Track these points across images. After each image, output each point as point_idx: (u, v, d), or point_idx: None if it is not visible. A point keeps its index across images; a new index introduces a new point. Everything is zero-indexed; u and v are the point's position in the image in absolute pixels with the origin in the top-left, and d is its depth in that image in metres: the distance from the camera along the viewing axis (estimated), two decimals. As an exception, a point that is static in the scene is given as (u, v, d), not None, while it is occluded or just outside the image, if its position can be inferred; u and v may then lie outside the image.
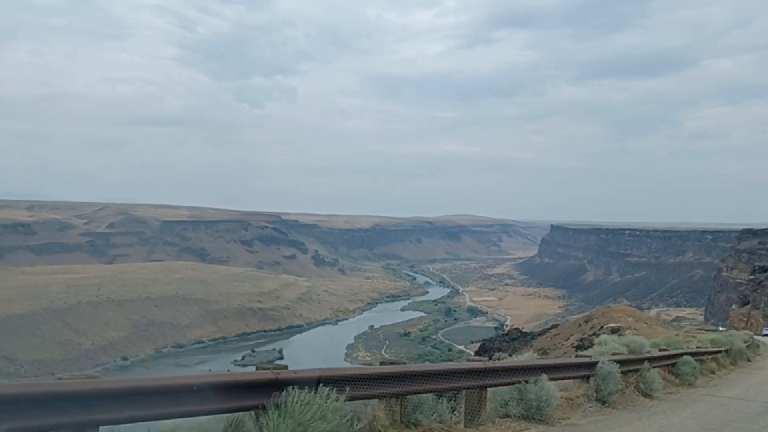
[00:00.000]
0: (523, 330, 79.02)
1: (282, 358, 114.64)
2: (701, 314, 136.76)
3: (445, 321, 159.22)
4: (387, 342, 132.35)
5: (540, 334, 65.83)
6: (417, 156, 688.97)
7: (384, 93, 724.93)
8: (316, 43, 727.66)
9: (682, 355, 15.85)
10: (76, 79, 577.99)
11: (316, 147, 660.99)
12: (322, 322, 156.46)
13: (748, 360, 22.31)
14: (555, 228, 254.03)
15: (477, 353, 48.32)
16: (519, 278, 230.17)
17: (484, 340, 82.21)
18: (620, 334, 24.95)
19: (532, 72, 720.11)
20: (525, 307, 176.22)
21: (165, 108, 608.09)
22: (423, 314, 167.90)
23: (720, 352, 19.87)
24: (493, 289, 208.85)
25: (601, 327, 51.40)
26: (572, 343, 45.94)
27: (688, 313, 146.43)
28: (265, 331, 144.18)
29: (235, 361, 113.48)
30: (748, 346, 23.18)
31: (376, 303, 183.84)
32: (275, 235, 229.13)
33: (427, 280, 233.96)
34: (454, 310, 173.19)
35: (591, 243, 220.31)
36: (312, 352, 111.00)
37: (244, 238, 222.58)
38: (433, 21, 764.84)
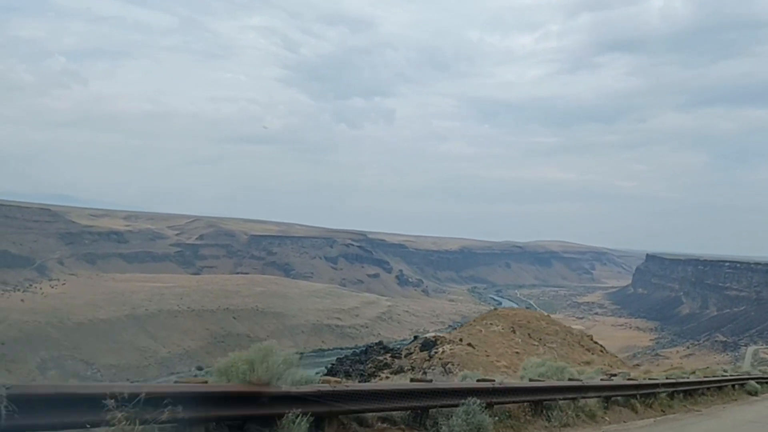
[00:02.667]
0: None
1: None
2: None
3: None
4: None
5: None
6: (511, 181, 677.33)
7: (481, 117, 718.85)
8: (415, 65, 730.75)
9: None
10: (183, 97, 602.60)
11: (409, 169, 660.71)
12: (400, 342, 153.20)
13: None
14: (650, 257, 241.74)
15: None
16: (610, 308, 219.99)
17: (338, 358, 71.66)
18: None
19: (635, 98, 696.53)
20: (614, 338, 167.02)
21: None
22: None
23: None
24: (581, 318, 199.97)
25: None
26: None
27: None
28: (341, 349, 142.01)
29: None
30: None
31: (458, 325, 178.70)
32: (360, 253, 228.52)
33: (513, 305, 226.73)
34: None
35: (688, 274, 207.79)
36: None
37: (329, 255, 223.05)
38: (534, 45, 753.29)
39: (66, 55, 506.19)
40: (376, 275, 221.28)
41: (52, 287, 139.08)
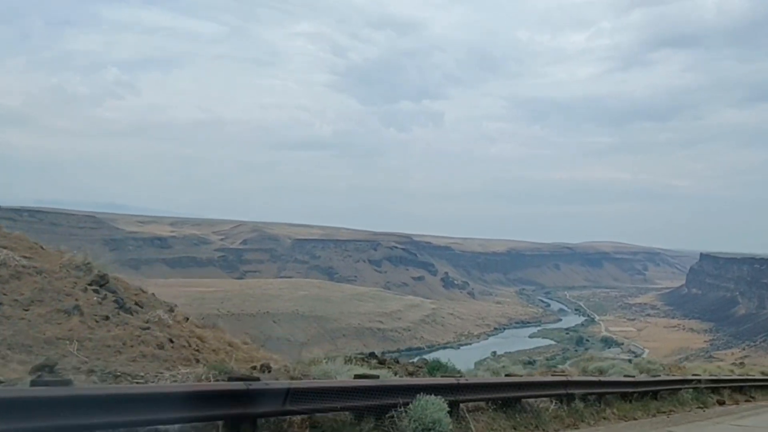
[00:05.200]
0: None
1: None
2: None
3: (575, 351, 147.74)
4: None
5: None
6: (561, 182, 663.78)
7: (531, 117, 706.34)
8: (464, 67, 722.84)
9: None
10: (233, 105, 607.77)
11: (457, 171, 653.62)
12: (444, 346, 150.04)
13: None
14: (705, 257, 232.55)
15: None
16: (662, 309, 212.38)
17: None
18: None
19: (690, 95, 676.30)
20: (666, 340, 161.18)
21: (315, 132, 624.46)
22: (552, 342, 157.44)
23: None
24: (632, 320, 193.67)
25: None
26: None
27: None
28: (383, 352, 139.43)
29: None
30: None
31: (504, 329, 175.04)
32: (405, 256, 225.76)
33: (562, 307, 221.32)
34: (587, 340, 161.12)
35: (744, 273, 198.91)
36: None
37: (372, 258, 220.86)
38: (586, 43, 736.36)
39: (119, 66, 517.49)
40: (420, 278, 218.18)
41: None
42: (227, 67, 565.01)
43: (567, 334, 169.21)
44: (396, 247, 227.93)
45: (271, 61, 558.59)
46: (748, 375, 25.15)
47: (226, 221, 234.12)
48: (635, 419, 13.95)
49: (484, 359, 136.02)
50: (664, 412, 15.39)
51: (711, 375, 21.51)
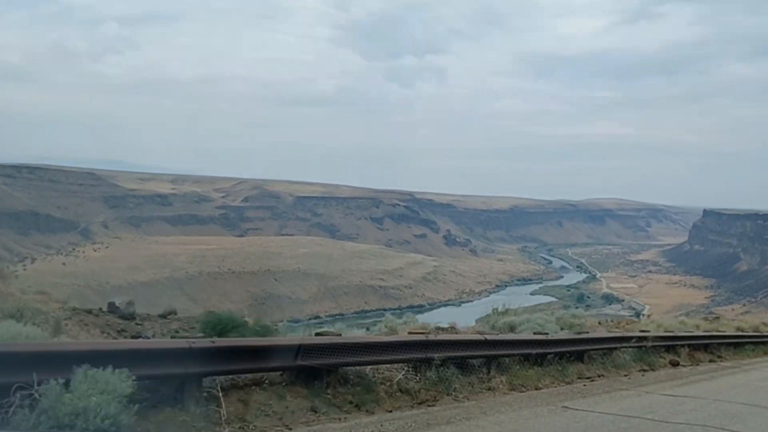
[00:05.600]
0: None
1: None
2: None
3: (576, 307, 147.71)
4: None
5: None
6: (566, 138, 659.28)
7: (537, 72, 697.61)
8: (469, 21, 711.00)
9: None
10: (234, 60, 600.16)
11: (461, 128, 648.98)
12: (445, 303, 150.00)
13: None
14: (708, 213, 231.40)
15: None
16: (664, 265, 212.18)
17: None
18: None
19: (698, 48, 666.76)
20: (667, 296, 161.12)
21: (317, 88, 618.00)
22: (553, 299, 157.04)
23: None
24: (634, 276, 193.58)
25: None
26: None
27: None
28: (384, 310, 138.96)
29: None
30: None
31: (506, 286, 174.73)
32: (407, 214, 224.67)
33: (564, 264, 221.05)
34: (588, 297, 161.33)
35: (747, 229, 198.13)
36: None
37: (374, 216, 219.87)
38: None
39: (118, 21, 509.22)
40: (423, 235, 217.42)
41: (95, 250, 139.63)
42: (228, 22, 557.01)
43: (568, 291, 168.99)
44: (398, 205, 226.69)
45: (273, 15, 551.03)
46: (717, 331, 22.93)
47: (227, 178, 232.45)
48: (537, 389, 11.28)
49: (485, 315, 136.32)
50: (588, 378, 12.93)
51: (666, 331, 19.18)
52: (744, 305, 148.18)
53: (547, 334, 13.48)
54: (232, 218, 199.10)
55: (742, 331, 24.92)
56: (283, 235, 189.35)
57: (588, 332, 15.41)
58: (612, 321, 25.42)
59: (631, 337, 15.88)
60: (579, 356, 13.63)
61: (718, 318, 32.69)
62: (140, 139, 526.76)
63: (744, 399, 11.46)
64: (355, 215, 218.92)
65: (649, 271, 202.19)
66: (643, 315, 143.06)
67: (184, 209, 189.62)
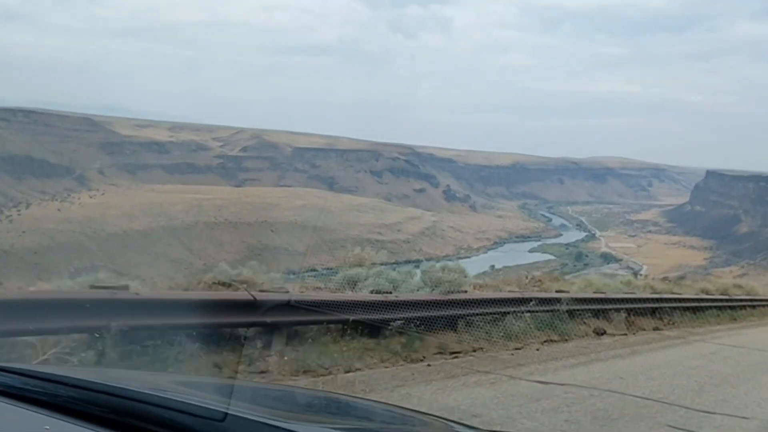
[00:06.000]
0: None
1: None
2: None
3: (574, 266, 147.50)
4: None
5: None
6: (570, 94, 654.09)
7: (543, 26, 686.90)
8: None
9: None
10: (235, 6, 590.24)
11: (465, 82, 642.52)
12: (442, 259, 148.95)
13: None
14: (711, 174, 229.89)
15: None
16: (665, 226, 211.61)
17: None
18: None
19: (708, 5, 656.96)
20: (665, 257, 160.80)
21: (319, 37, 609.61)
22: (551, 257, 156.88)
23: None
24: (633, 236, 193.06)
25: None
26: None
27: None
28: (381, 264, 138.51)
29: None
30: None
31: (504, 242, 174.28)
32: (407, 167, 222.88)
33: (564, 222, 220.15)
34: (586, 255, 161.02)
35: (749, 191, 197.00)
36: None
37: (374, 169, 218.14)
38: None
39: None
40: (422, 190, 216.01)
41: (91, 197, 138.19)
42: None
43: (567, 249, 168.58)
44: (398, 158, 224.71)
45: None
46: (672, 293, 19.72)
47: (226, 127, 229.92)
48: (349, 371, 8.68)
49: (482, 272, 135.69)
50: (455, 353, 10.16)
51: (597, 291, 15.84)
52: (742, 267, 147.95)
53: (390, 292, 10.60)
54: (229, 168, 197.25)
55: (708, 293, 22.44)
56: (281, 186, 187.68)
57: (465, 292, 11.92)
58: (530, 277, 19.85)
59: (529, 299, 12.50)
60: (450, 323, 10.69)
61: (683, 278, 30.82)
62: (138, 85, 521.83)
63: (642, 390, 8.80)
64: (355, 168, 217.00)
65: (649, 231, 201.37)
66: (641, 275, 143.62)
67: (181, 157, 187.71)
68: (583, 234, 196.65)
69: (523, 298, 12.49)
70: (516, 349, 11.03)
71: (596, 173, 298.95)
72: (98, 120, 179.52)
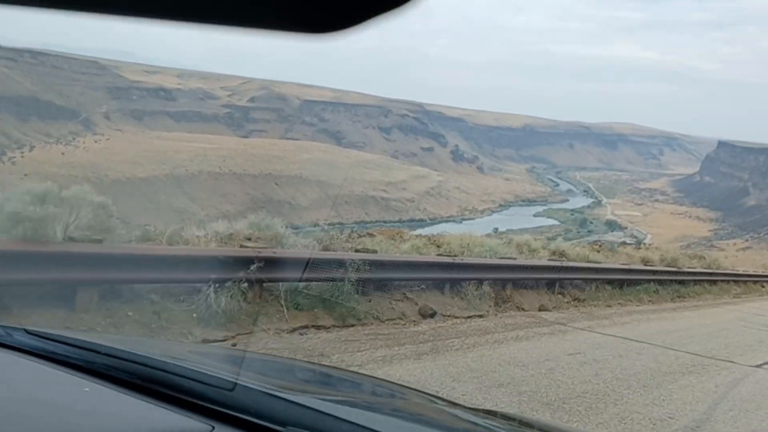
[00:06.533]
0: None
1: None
2: None
3: (578, 232, 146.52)
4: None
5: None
6: (586, 58, 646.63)
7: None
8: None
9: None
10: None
11: (481, 40, 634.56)
12: (446, 219, 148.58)
13: None
14: (722, 144, 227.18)
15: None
16: (672, 195, 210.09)
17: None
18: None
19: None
20: (670, 227, 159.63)
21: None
22: (556, 222, 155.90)
23: None
24: (640, 204, 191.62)
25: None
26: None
27: None
28: (384, 222, 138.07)
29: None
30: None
31: (509, 206, 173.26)
32: (415, 125, 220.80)
33: (571, 187, 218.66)
34: (591, 222, 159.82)
35: (759, 164, 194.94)
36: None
37: (383, 125, 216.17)
38: None
39: None
40: (430, 149, 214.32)
41: (96, 142, 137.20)
42: None
43: (572, 215, 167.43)
44: (407, 116, 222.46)
45: None
46: (588, 261, 15.97)
47: (235, 77, 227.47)
48: None
49: (485, 235, 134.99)
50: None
51: (445, 254, 11.55)
52: (746, 240, 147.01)
53: None
54: (236, 118, 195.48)
55: (648, 263, 18.49)
56: (287, 138, 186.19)
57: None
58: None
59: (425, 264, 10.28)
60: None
61: (601, 246, 23.54)
62: (149, 29, 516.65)
63: None
64: (363, 123, 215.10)
65: (656, 200, 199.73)
66: (645, 244, 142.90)
67: (188, 105, 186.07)
68: (590, 200, 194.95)
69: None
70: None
71: (607, 139, 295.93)
72: (106, 64, 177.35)
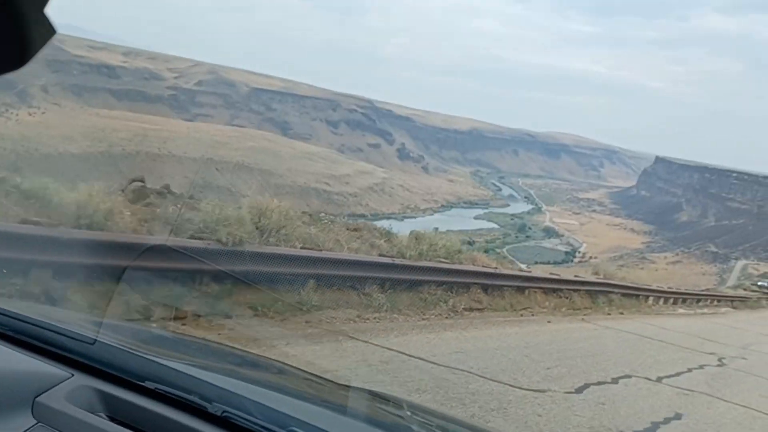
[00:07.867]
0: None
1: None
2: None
3: (516, 237, 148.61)
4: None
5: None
6: (535, 67, 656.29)
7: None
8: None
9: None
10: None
11: (435, 43, 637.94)
12: (387, 216, 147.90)
13: None
14: (659, 160, 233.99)
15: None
16: (609, 207, 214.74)
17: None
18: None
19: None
20: (605, 237, 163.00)
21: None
22: (495, 226, 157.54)
23: None
24: (577, 213, 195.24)
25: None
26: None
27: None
28: (325, 214, 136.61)
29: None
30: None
31: (451, 207, 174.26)
32: (363, 121, 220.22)
33: (513, 193, 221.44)
34: (529, 228, 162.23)
35: (693, 181, 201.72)
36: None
37: (330, 119, 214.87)
38: None
39: None
40: (376, 145, 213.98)
41: (30, 114, 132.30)
42: None
43: (511, 219, 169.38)
44: (356, 111, 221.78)
45: None
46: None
47: (183, 59, 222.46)
48: None
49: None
50: None
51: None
52: (677, 254, 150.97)
53: None
54: (182, 101, 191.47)
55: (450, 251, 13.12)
56: (233, 125, 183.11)
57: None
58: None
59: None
60: None
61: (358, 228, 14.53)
62: (102, 4, 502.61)
63: None
64: (311, 115, 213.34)
65: (593, 210, 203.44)
66: (579, 253, 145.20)
67: (132, 84, 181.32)
68: (530, 207, 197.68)
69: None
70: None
71: (551, 148, 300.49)
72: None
